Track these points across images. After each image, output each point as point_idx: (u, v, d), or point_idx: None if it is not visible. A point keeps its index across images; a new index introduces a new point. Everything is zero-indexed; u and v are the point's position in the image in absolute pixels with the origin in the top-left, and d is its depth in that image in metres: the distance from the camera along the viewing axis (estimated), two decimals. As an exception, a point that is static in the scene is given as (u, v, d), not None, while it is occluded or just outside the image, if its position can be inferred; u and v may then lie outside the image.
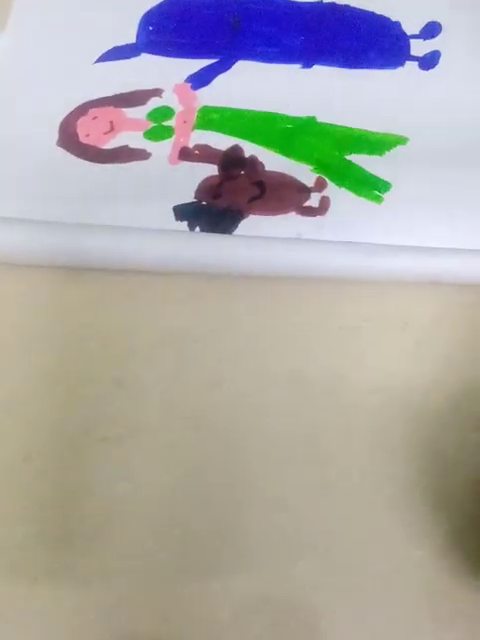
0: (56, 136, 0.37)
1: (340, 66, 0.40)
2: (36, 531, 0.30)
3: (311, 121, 0.38)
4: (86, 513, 0.30)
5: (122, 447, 0.31)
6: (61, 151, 0.37)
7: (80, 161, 0.36)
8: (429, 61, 0.41)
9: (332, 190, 0.35)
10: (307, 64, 0.40)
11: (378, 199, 0.35)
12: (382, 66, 0.41)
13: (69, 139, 0.37)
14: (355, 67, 0.40)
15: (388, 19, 0.42)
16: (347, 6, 0.42)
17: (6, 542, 0.30)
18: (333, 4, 0.42)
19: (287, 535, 0.30)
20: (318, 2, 0.42)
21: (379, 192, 0.35)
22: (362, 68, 0.40)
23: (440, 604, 0.30)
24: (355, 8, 0.42)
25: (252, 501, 0.31)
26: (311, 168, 0.36)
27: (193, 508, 0.30)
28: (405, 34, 0.42)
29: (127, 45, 0.41)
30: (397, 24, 0.42)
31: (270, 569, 0.30)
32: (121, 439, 0.31)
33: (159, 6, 0.42)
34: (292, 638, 0.29)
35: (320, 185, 0.36)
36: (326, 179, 0.36)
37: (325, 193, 0.35)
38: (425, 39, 0.42)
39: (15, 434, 0.31)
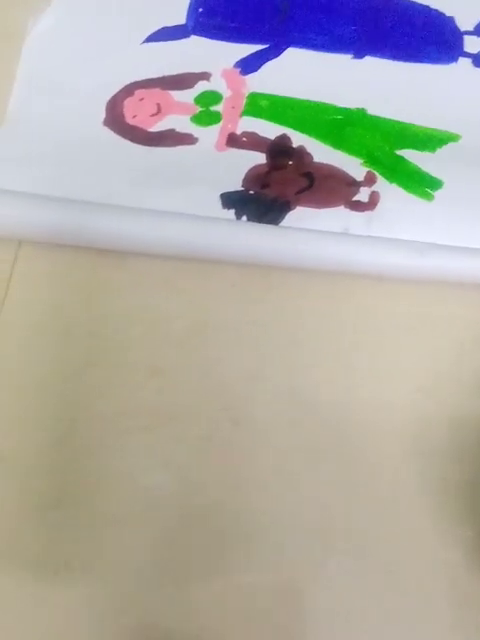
0: (103, 115, 0.36)
1: (392, 58, 0.39)
2: (67, 516, 0.30)
3: (361, 113, 0.37)
4: (119, 500, 0.30)
5: (157, 436, 0.31)
6: (107, 131, 0.36)
7: (126, 142, 0.36)
8: (482, 58, 0.40)
9: (382, 185, 0.35)
10: (359, 54, 0.40)
11: (429, 197, 0.35)
12: (435, 61, 0.40)
13: (116, 119, 0.36)
14: (408, 60, 0.39)
15: (443, 14, 0.41)
16: (401, -3, 0.41)
17: (38, 526, 0.29)
18: (387, -6, 0.41)
19: (319, 532, 0.30)
20: (372, -9, 0.41)
21: (430, 190, 0.35)
22: (415, 62, 0.39)
23: (470, 607, 0.29)
24: (410, 0, 0.41)
25: (286, 497, 0.30)
26: (361, 162, 0.35)
27: (227, 501, 0.30)
28: (459, 30, 0.41)
29: (176, 26, 0.40)
30: (451, 19, 0.41)
31: (301, 566, 0.29)
32: (156, 428, 0.31)
33: (210, -12, 0.41)
34: (324, 636, 0.29)
35: (370, 179, 0.35)
36: (376, 173, 0.35)
37: (375, 188, 0.35)
38: (479, 36, 0.41)
39: (50, 417, 0.31)
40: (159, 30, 0.40)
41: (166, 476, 0.30)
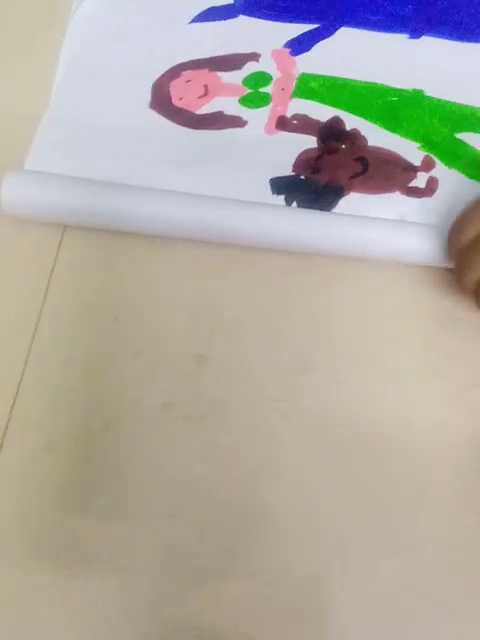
0: (148, 98, 0.35)
1: (450, 38, 0.38)
2: (112, 503, 0.29)
3: (418, 95, 0.35)
4: (160, 488, 0.29)
5: (201, 426, 0.30)
6: (153, 114, 0.35)
7: (173, 125, 0.35)
8: None
9: (440, 170, 0.33)
10: (415, 34, 0.38)
11: (491, 183, 0.33)
12: (496, 40, 0.38)
13: (162, 102, 0.35)
14: (467, 40, 0.38)
15: (504, -10, 0.39)
16: (460, -26, 0.39)
17: (83, 512, 0.29)
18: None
19: (374, 531, 0.29)
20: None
21: (492, 175, 0.33)
22: (474, 41, 0.37)
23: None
24: (469, -24, 0.39)
25: (336, 494, 0.29)
26: (418, 146, 0.34)
27: (272, 498, 0.29)
28: (522, 6, 0.39)
29: (225, 6, 0.39)
30: (513, -5, 0.39)
31: (344, 565, 0.28)
32: (201, 418, 0.30)
33: (260, -35, 0.39)
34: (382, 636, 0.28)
35: (428, 164, 0.33)
36: (434, 158, 0.33)
37: (433, 173, 0.33)
38: None
39: (95, 403, 0.30)
40: (206, 10, 0.39)
41: (208, 467, 0.29)
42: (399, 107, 0.35)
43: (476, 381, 0.31)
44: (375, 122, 0.35)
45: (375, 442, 0.30)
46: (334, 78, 0.36)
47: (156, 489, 0.29)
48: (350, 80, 0.36)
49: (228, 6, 0.39)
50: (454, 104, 0.35)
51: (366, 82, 0.36)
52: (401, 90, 0.36)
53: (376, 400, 0.30)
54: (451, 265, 0.30)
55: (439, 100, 0.35)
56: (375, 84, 0.36)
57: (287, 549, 0.28)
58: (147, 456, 0.30)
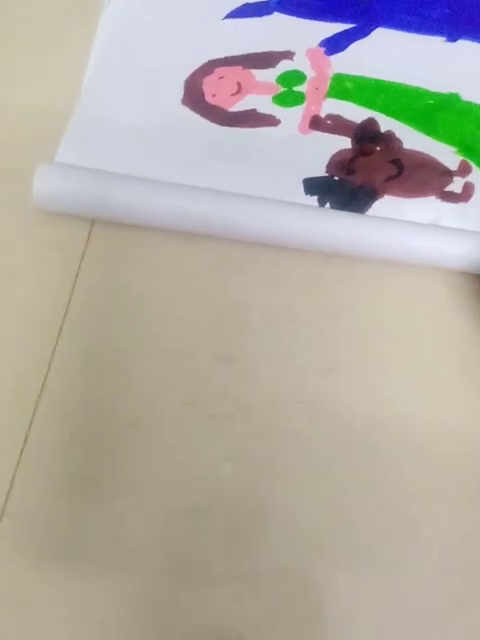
0: (181, 94, 0.35)
1: (488, 42, 0.37)
2: (130, 501, 0.28)
3: (454, 98, 0.35)
4: (182, 488, 0.29)
5: (227, 426, 0.30)
6: (186, 110, 0.35)
7: (205, 122, 0.34)
8: None
9: (477, 176, 0.33)
10: (451, 37, 0.37)
11: None
12: None
13: (195, 98, 0.35)
14: (505, 45, 0.37)
15: None
16: (498, -22, 0.39)
17: (109, 511, 0.28)
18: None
19: (397, 535, 0.28)
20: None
21: None
22: (513, 46, 0.37)
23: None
24: (508, -20, 0.39)
25: (360, 497, 0.29)
26: (455, 150, 0.33)
27: (299, 500, 0.29)
28: None
29: (259, 2, 0.38)
30: None
31: (380, 570, 0.28)
32: (226, 418, 0.30)
33: (296, -37, 0.39)
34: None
35: (464, 169, 0.33)
36: (471, 163, 0.33)
37: (469, 178, 0.33)
38: None
39: (119, 399, 0.30)
40: (241, 6, 0.38)
41: (233, 467, 0.29)
42: (435, 110, 0.34)
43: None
44: (410, 125, 0.34)
45: (401, 447, 0.29)
46: (369, 79, 0.36)
47: (177, 488, 0.29)
48: (385, 81, 0.36)
49: (263, 3, 0.38)
50: (491, 109, 0.35)
51: (401, 84, 0.35)
52: (437, 93, 0.35)
53: (404, 405, 0.30)
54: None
55: (475, 104, 0.35)
56: (411, 86, 0.35)
57: (306, 551, 0.28)
58: (170, 454, 0.29)
